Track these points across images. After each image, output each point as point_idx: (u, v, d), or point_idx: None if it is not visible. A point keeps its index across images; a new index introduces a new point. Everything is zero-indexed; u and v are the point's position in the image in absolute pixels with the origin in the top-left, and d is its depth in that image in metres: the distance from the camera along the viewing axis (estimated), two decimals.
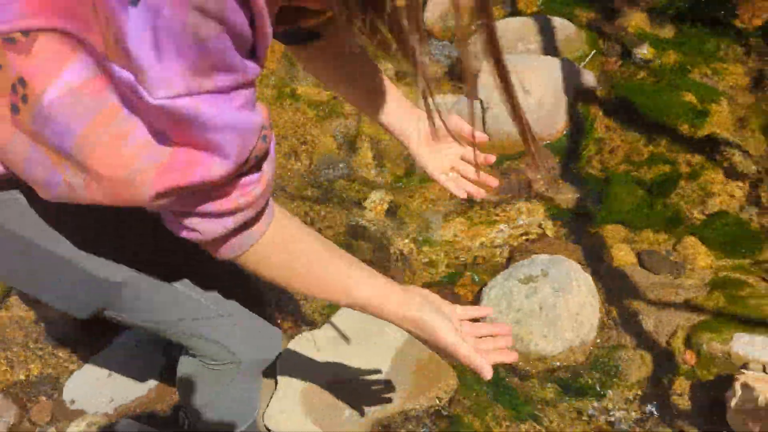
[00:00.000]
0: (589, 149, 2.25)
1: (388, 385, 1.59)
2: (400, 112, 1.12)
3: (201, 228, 0.71)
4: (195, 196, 0.66)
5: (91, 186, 0.62)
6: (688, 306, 1.82)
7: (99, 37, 0.54)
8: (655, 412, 1.61)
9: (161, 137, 0.59)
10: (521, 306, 1.69)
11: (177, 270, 0.99)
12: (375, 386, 1.58)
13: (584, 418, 1.61)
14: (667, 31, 2.75)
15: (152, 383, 1.69)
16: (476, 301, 1.81)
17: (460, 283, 1.91)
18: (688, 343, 1.72)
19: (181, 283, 1.00)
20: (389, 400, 1.58)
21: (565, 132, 2.27)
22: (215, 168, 0.61)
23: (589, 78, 2.36)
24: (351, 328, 1.67)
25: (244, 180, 0.68)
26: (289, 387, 1.56)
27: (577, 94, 2.31)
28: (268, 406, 1.55)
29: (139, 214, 0.74)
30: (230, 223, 0.71)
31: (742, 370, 1.58)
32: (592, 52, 2.47)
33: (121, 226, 0.89)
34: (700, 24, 2.74)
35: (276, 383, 1.58)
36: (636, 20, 2.77)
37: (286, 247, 0.81)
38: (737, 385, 1.50)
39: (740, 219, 2.06)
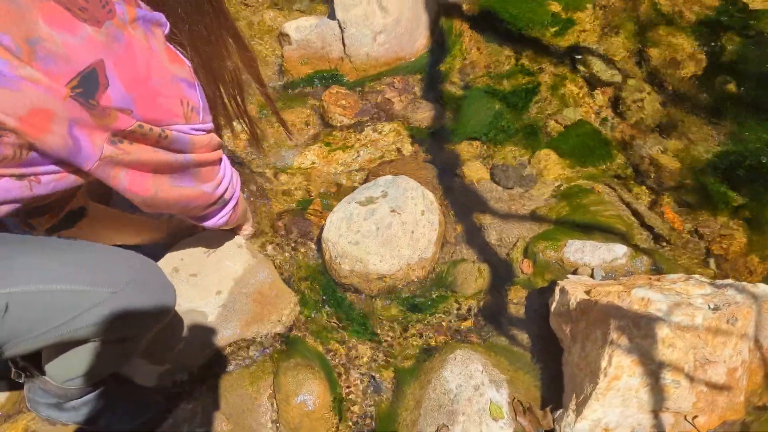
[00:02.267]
0: (450, 65, 2.22)
1: (226, 315, 1.60)
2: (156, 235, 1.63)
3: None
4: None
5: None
6: (533, 217, 1.86)
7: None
8: (490, 321, 1.65)
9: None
10: (360, 228, 1.70)
11: (47, 269, 1.04)
12: (211, 316, 1.59)
13: (422, 330, 1.65)
14: None
15: None
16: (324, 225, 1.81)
17: (311, 209, 1.90)
18: (527, 252, 1.76)
19: (57, 282, 1.03)
20: (227, 329, 1.59)
21: (426, 49, 2.22)
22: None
23: None
24: (188, 261, 1.66)
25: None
26: None
27: (440, 10, 2.26)
28: None
29: None
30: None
31: (569, 276, 1.63)
32: None
33: None
34: None
35: None
36: None
37: None
38: (557, 290, 1.55)
39: (596, 129, 2.08)
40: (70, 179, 1.02)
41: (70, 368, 1.30)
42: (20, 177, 0.95)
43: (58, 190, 1.01)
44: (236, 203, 1.43)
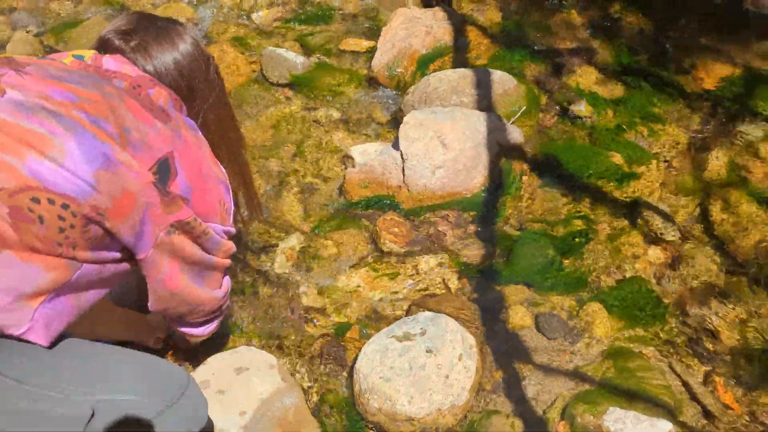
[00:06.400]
0: (506, 206, 2.23)
1: None
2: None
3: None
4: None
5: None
6: (575, 375, 1.79)
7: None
8: None
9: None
10: (393, 364, 1.67)
11: (121, 378, 1.15)
12: None
13: None
14: (615, 90, 2.74)
15: None
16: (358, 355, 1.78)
17: (348, 336, 1.89)
18: (564, 413, 1.68)
19: (126, 392, 1.12)
20: None
21: (483, 188, 2.25)
22: None
23: (515, 134, 2.35)
24: (219, 376, 1.66)
25: None
26: None
27: (501, 150, 2.30)
28: None
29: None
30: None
31: None
32: (521, 109, 2.47)
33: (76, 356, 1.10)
34: (650, 83, 2.73)
35: None
36: (584, 77, 2.77)
37: None
38: None
39: (650, 287, 2.02)
40: (119, 270, 1.13)
41: None
42: (97, 263, 1.06)
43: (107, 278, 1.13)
44: (223, 316, 1.52)
